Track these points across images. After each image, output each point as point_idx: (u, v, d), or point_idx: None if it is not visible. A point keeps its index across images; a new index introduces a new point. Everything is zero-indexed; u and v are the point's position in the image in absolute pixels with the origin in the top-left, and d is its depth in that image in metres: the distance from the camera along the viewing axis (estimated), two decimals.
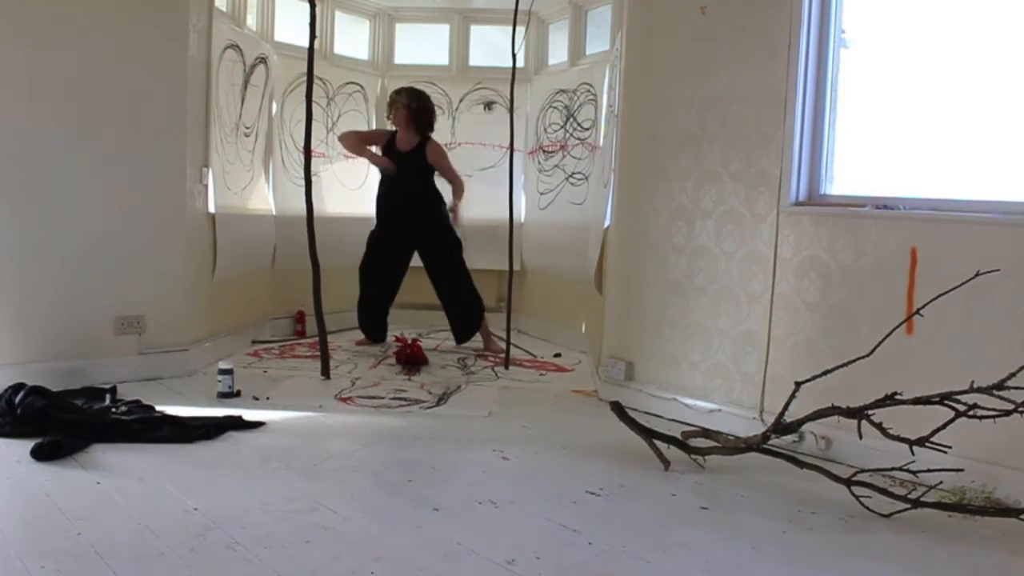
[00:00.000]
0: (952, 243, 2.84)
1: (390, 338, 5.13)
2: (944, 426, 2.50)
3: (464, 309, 5.08)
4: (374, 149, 5.14)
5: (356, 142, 5.11)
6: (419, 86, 5.25)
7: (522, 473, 2.90)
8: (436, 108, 5.17)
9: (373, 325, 5.16)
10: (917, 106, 3.13)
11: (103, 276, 3.85)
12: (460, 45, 6.03)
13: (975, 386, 2.46)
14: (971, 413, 2.47)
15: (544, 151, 5.71)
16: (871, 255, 3.04)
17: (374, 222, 5.12)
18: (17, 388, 3.24)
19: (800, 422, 2.83)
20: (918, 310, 2.74)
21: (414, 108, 4.99)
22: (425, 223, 5.02)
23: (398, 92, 5.08)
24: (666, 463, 2.95)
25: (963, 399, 2.49)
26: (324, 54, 5.51)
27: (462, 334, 5.12)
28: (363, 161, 5.85)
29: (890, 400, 2.59)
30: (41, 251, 3.68)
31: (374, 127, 5.90)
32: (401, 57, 6.08)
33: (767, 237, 3.34)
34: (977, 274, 2.59)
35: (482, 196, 5.30)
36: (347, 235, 5.34)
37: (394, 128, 5.10)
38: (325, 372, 4.22)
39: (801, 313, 3.23)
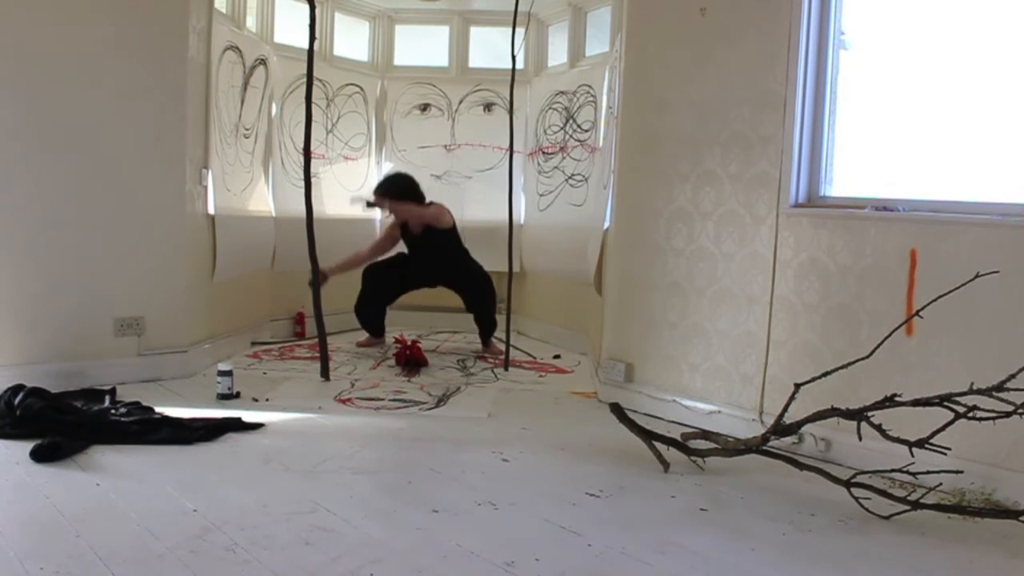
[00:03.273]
0: (951, 245, 2.84)
1: (390, 339, 5.13)
2: (944, 428, 2.50)
3: (487, 321, 5.14)
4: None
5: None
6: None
7: (521, 475, 2.90)
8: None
9: (374, 321, 5.17)
10: (916, 108, 3.13)
11: (103, 277, 3.85)
12: (460, 47, 6.03)
13: (975, 388, 2.46)
14: (971, 415, 2.47)
15: (544, 153, 5.71)
16: (870, 257, 3.03)
17: (376, 226, 5.09)
18: (16, 389, 3.24)
19: (800, 424, 2.83)
20: (918, 312, 2.74)
21: (394, 193, 4.96)
22: (457, 273, 5.12)
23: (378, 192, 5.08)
24: (666, 465, 2.95)
25: (963, 401, 2.49)
26: (324, 56, 5.51)
27: (485, 336, 5.17)
28: (362, 163, 5.87)
29: (889, 402, 2.59)
30: (40, 252, 3.68)
31: (374, 128, 5.91)
32: (401, 59, 6.08)
33: (767, 239, 3.34)
34: (976, 276, 2.59)
35: (482, 198, 5.29)
36: (347, 237, 5.34)
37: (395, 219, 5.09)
38: (324, 374, 4.22)
39: (801, 315, 3.23)
